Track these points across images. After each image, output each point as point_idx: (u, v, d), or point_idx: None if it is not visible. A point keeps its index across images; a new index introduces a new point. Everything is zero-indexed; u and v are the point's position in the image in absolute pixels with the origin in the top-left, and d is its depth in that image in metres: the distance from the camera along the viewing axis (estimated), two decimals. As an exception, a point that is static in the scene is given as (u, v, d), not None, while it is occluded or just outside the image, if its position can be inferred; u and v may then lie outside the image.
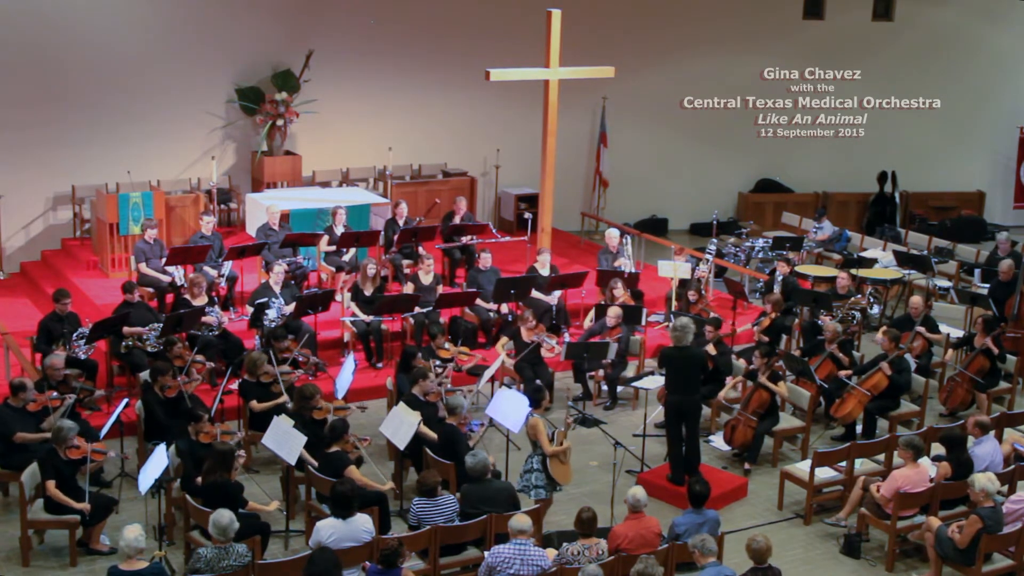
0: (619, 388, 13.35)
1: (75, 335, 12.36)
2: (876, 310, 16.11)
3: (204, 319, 12.87)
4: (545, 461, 10.36)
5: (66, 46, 16.71)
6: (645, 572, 7.92)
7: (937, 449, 10.92)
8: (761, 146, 21.64)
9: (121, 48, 17.10)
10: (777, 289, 15.02)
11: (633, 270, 15.35)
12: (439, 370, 12.10)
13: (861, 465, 11.10)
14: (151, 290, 14.19)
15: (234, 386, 11.95)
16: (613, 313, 13.37)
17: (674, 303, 14.95)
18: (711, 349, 12.61)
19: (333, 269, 15.21)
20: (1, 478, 10.68)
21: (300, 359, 12.43)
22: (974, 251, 18.38)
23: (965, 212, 22.03)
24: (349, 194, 17.33)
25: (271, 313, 13.16)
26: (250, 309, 13.38)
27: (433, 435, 10.58)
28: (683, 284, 15.03)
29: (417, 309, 13.76)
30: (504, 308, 14.41)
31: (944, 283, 16.83)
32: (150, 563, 8.33)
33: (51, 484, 9.65)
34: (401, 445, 10.35)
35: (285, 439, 9.83)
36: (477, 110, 19.33)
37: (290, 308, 13.31)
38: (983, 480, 9.42)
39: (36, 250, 17.10)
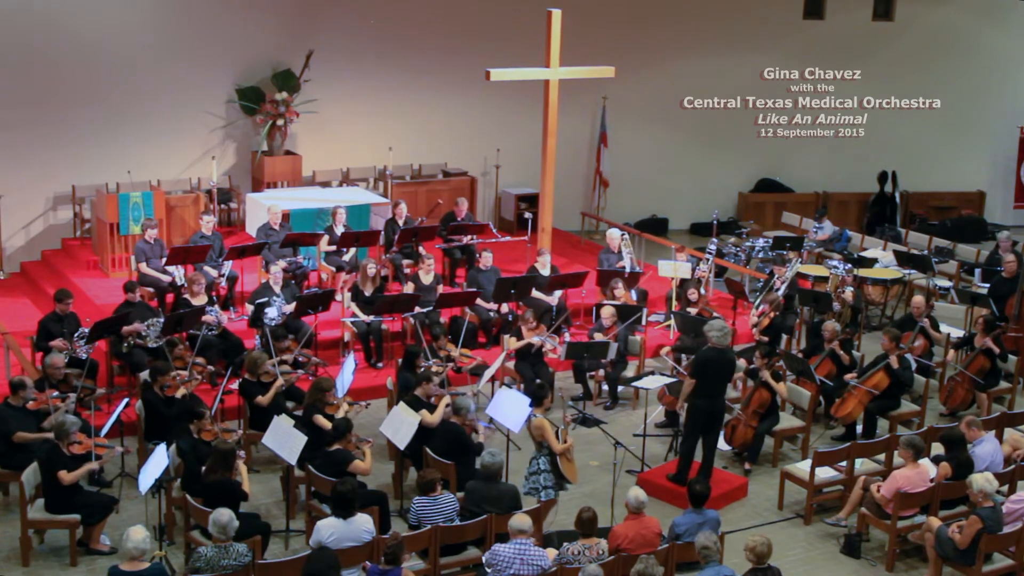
0: (619, 388, 13.35)
1: (75, 335, 12.36)
2: (848, 291, 15.65)
3: (204, 319, 12.88)
4: (554, 460, 10.35)
5: (66, 46, 16.71)
6: (645, 572, 7.93)
7: (937, 449, 10.92)
8: (761, 146, 21.63)
9: (121, 48, 17.09)
10: (783, 288, 14.98)
11: (637, 268, 15.33)
12: (439, 369, 12.09)
13: (861, 465, 11.10)
14: (151, 290, 14.20)
15: (234, 386, 11.96)
16: (607, 313, 13.36)
17: (674, 303, 14.95)
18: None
19: (333, 269, 15.21)
20: (1, 478, 10.67)
21: (301, 359, 12.43)
22: (974, 251, 18.38)
23: (965, 212, 22.02)
24: (349, 194, 17.33)
25: (271, 312, 13.16)
26: (250, 309, 13.38)
27: (435, 419, 10.62)
28: (683, 284, 15.03)
29: (417, 309, 13.76)
30: (504, 308, 14.41)
31: (944, 283, 16.81)
32: (150, 563, 8.32)
33: (64, 473, 9.60)
34: (401, 445, 10.36)
35: (285, 439, 9.83)
36: (477, 110, 19.32)
37: (290, 307, 13.31)
38: (980, 481, 9.42)
39: (36, 250, 17.10)
